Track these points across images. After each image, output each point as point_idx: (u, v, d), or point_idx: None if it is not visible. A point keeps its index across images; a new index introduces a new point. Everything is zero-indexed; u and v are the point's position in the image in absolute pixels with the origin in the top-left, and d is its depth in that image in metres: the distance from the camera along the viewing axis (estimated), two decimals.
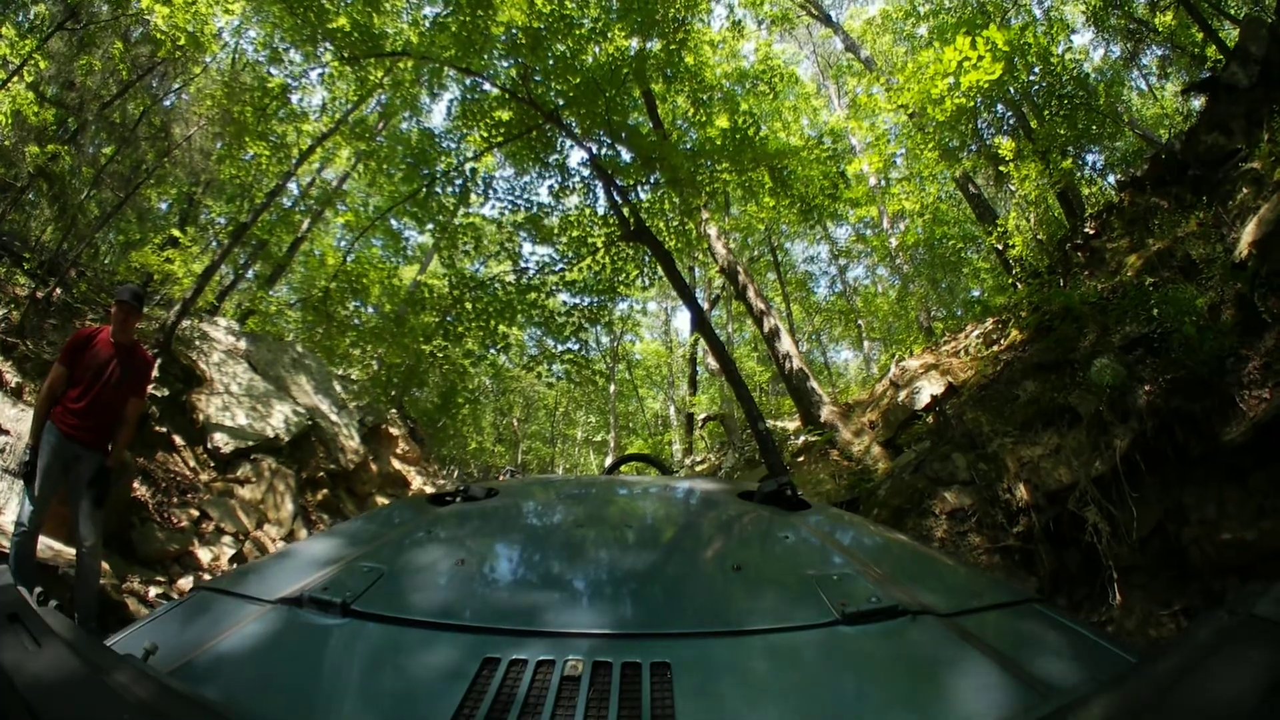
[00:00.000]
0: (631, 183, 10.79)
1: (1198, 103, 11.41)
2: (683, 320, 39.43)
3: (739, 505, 2.05)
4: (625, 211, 10.52)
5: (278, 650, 1.13)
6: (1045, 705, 0.88)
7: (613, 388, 33.71)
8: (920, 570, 1.67)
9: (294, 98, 11.71)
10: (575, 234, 11.29)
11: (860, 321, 24.67)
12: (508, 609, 1.28)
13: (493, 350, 11.78)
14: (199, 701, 0.88)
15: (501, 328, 10.81)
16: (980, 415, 6.78)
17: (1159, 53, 16.32)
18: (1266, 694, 0.69)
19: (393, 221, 19.26)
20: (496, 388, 34.16)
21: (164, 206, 16.37)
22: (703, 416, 23.81)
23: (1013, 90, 12.74)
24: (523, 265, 11.37)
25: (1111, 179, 12.64)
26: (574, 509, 2.16)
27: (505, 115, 10.86)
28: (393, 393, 15.75)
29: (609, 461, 31.80)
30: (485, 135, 10.97)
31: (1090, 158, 14.07)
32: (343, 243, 19.70)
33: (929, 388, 8.60)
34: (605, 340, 33.61)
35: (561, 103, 10.05)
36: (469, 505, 1.98)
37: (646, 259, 11.47)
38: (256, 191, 13.99)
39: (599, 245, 11.05)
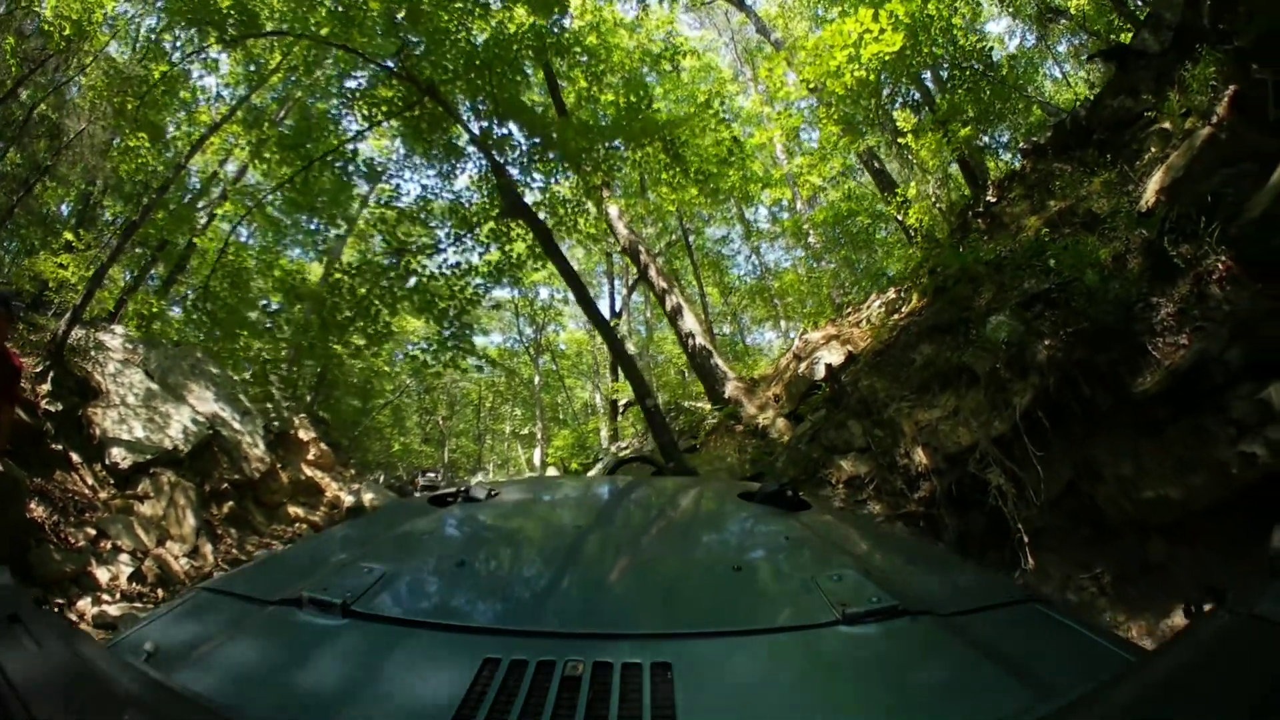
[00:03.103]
0: (525, 161, 10.53)
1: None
2: (604, 307, 39.25)
3: (739, 505, 2.05)
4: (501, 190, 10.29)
5: (278, 650, 1.11)
6: (1045, 705, 0.86)
7: (537, 379, 33.48)
8: (920, 570, 1.70)
9: (192, 77, 11.07)
10: (463, 214, 11.02)
11: (777, 301, 24.81)
12: (508, 610, 1.27)
13: (391, 348, 11.40)
14: (199, 702, 0.88)
15: (384, 315, 10.36)
16: (876, 381, 6.59)
17: (1074, 41, 16.64)
18: (1267, 694, 0.69)
19: (311, 223, 18.28)
20: (419, 385, 33.50)
21: (64, 210, 15.44)
22: (624, 402, 23.90)
23: (918, 66, 12.67)
24: (401, 247, 10.96)
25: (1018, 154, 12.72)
26: (574, 510, 2.24)
27: (387, 93, 10.53)
28: (302, 393, 15.01)
29: (537, 455, 31.58)
30: (366, 114, 10.61)
31: (1003, 137, 14.17)
32: (250, 239, 18.81)
33: (827, 357, 8.57)
34: (529, 332, 33.31)
35: (444, 77, 9.60)
36: (469, 506, 1.98)
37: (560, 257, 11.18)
38: (153, 187, 13.13)
39: (478, 223, 10.81)
